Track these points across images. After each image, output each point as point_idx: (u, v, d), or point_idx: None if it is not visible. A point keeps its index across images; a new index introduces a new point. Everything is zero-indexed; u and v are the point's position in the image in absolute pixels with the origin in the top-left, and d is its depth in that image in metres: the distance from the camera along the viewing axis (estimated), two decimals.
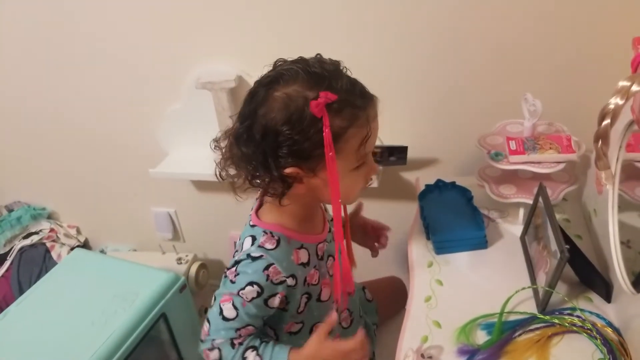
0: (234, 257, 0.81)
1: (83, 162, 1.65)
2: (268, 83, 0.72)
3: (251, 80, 1.30)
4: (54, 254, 1.70)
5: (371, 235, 1.01)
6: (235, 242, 1.13)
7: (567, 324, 0.77)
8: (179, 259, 1.61)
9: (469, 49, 1.11)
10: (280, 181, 0.74)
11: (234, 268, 0.78)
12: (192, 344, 1.28)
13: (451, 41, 1.11)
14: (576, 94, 1.08)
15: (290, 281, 0.78)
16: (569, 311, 0.79)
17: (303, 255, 0.81)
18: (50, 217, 1.84)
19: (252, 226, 0.83)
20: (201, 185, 1.59)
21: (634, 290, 0.71)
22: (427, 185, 1.07)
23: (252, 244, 0.79)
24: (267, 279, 0.76)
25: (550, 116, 0.98)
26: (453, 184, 1.06)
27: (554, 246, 0.78)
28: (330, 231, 0.89)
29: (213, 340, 0.78)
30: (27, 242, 1.72)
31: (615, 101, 0.56)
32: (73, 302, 1.17)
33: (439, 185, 1.07)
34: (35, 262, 1.68)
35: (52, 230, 1.77)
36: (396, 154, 1.24)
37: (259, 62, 1.26)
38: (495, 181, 1.00)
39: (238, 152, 0.76)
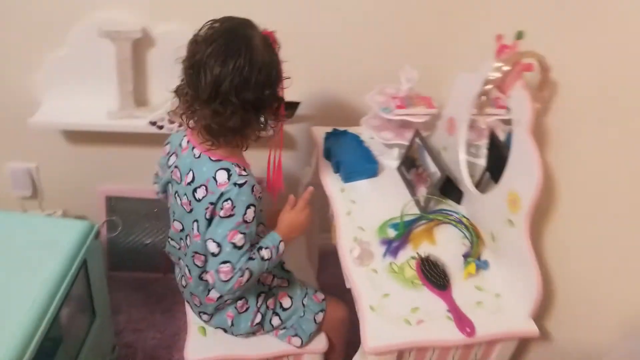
0: (207, 190, 0.94)
1: None
2: (238, 28, 0.91)
3: (155, 32, 1.34)
4: None
5: None
6: (106, 197, 1.31)
7: (440, 218, 1.18)
8: (49, 217, 1.53)
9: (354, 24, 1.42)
10: (257, 123, 0.95)
11: (229, 204, 0.92)
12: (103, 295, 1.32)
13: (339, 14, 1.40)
14: (430, 66, 1.46)
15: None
16: (440, 210, 1.21)
17: None
18: None
19: (217, 161, 0.95)
20: (74, 137, 1.52)
21: (477, 191, 1.16)
22: (327, 133, 1.37)
23: (230, 175, 0.94)
24: (256, 197, 0.96)
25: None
26: (345, 131, 1.38)
27: (433, 169, 1.18)
28: None
29: (240, 268, 0.93)
30: None
31: (494, 74, 0.95)
32: None
33: (336, 132, 1.37)
34: None
35: None
36: (289, 109, 1.48)
37: (161, 16, 1.31)
38: (376, 129, 1.36)
39: (233, 100, 0.87)
